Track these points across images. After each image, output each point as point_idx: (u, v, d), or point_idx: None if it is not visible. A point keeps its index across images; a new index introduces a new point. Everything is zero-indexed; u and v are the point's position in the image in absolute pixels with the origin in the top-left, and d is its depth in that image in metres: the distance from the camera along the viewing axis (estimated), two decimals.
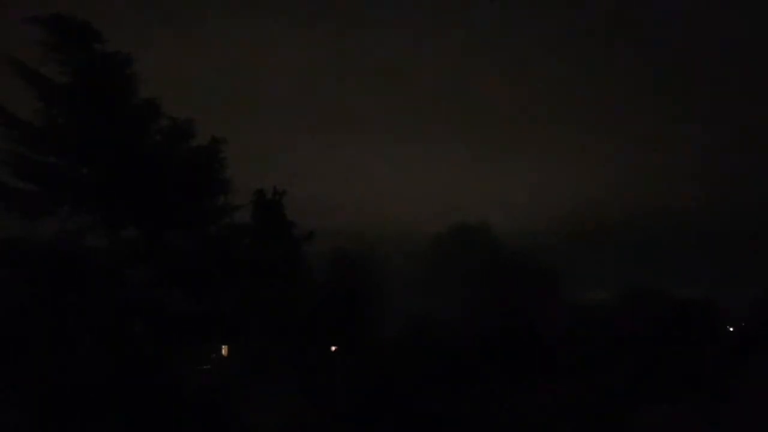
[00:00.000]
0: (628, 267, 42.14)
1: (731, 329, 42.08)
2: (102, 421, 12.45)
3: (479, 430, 16.75)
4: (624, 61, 77.92)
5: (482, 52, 75.66)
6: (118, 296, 13.21)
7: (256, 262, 15.99)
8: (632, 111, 74.17)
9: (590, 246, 43.81)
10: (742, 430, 17.74)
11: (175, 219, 14.40)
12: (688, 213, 55.50)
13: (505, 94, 72.67)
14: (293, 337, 20.44)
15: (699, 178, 65.86)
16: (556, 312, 28.75)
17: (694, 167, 68.90)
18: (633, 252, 46.59)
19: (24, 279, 12.93)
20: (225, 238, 15.15)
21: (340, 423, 16.73)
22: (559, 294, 30.74)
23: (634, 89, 78.18)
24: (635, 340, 29.32)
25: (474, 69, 72.43)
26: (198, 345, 16.75)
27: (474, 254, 30.18)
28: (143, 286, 13.86)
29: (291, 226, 23.09)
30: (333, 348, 24.90)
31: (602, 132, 73.72)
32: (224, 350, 21.19)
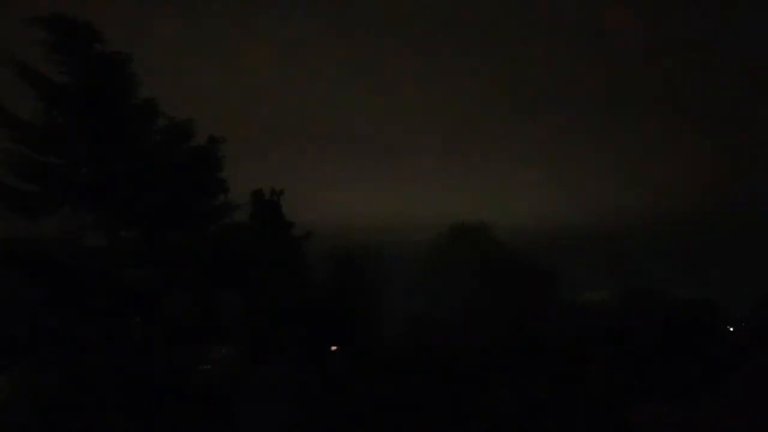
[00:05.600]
0: (628, 267, 42.06)
1: (731, 329, 42.03)
2: (104, 420, 12.48)
3: (478, 426, 16.80)
4: (619, 66, 77.74)
5: (480, 53, 75.55)
6: (118, 296, 13.22)
7: (255, 261, 15.99)
8: (632, 110, 74.22)
9: (590, 246, 43.78)
10: (742, 429, 17.77)
11: (174, 219, 14.43)
12: (688, 213, 55.49)
13: (504, 95, 72.60)
14: (293, 336, 20.47)
15: (698, 177, 65.90)
16: (555, 311, 28.80)
17: (694, 167, 68.91)
18: (633, 252, 46.53)
19: (24, 279, 12.96)
20: (224, 238, 15.16)
21: (340, 421, 16.76)
22: (558, 293, 30.78)
23: (634, 89, 78.08)
24: (635, 339, 29.34)
25: (473, 70, 72.34)
26: (198, 345, 16.76)
27: (474, 254, 30.17)
28: (143, 286, 13.87)
29: (289, 225, 23.16)
30: (333, 348, 24.92)
31: (601, 132, 73.75)
32: (224, 350, 21.15)
